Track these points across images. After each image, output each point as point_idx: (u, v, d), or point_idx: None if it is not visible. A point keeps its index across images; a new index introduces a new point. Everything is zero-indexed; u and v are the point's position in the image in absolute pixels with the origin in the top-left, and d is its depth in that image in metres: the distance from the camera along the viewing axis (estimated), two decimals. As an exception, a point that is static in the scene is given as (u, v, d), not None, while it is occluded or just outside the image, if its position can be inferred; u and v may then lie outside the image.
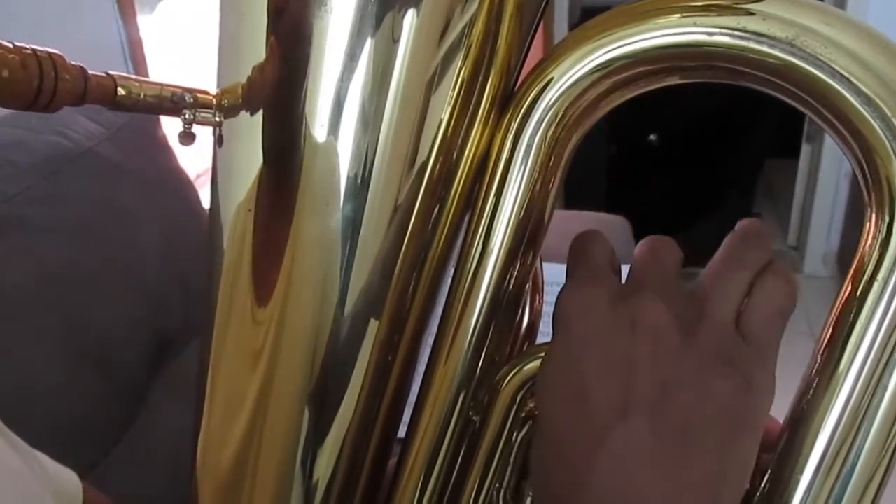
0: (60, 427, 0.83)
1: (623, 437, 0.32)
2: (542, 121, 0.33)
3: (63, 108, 0.30)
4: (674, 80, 0.33)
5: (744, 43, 0.30)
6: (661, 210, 2.38)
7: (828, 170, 2.46)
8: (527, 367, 0.37)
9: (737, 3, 0.30)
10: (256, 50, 0.32)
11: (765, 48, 0.30)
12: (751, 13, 0.30)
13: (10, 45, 0.27)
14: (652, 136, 2.44)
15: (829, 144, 2.43)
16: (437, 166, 0.34)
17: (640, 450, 0.32)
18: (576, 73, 0.32)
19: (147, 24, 1.77)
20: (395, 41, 0.31)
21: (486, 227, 0.35)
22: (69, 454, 0.52)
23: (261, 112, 0.33)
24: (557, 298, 0.35)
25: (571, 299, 0.34)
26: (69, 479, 0.50)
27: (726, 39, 0.30)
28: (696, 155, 2.50)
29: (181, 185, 1.14)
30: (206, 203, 1.26)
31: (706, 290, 0.34)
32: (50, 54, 0.29)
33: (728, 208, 2.62)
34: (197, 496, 0.40)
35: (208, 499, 0.40)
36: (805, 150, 2.56)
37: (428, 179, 0.34)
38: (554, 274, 0.49)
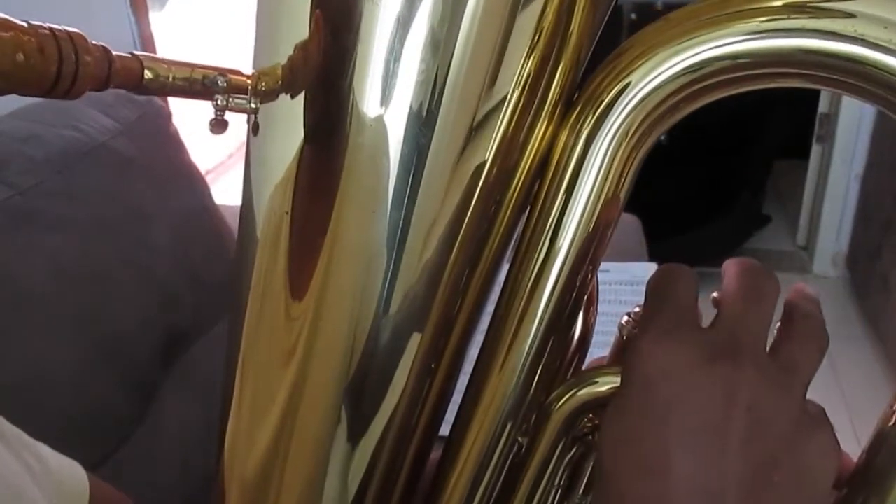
0: (72, 422, 0.83)
1: None
2: (621, 125, 0.31)
3: (76, 102, 0.27)
4: (773, 84, 0.31)
5: (862, 52, 0.27)
6: (671, 210, 2.38)
7: (838, 170, 2.45)
8: (581, 393, 0.34)
9: (828, 2, 0.27)
10: (298, 27, 0.29)
11: (886, 58, 0.27)
12: (850, 15, 0.27)
13: (26, 25, 0.24)
14: (661, 136, 2.43)
15: (840, 145, 2.42)
16: (497, 160, 0.31)
17: None
18: (660, 75, 0.30)
19: (158, 21, 1.77)
20: (455, 30, 0.28)
21: (551, 231, 0.32)
22: (80, 449, 0.51)
23: (302, 97, 0.30)
24: (636, 346, 0.31)
25: (655, 352, 0.30)
26: (74, 473, 0.50)
27: (842, 47, 0.27)
28: (706, 155, 2.49)
29: (193, 181, 1.14)
30: (217, 199, 1.25)
31: (792, 359, 0.31)
32: (70, 34, 0.25)
33: (738, 208, 2.61)
34: (223, 495, 0.38)
35: (235, 500, 0.38)
36: (815, 150, 2.55)
37: (486, 175, 0.31)
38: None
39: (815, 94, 2.47)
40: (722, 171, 2.53)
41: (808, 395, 0.32)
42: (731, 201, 2.59)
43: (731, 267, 0.33)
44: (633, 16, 2.24)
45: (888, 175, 2.22)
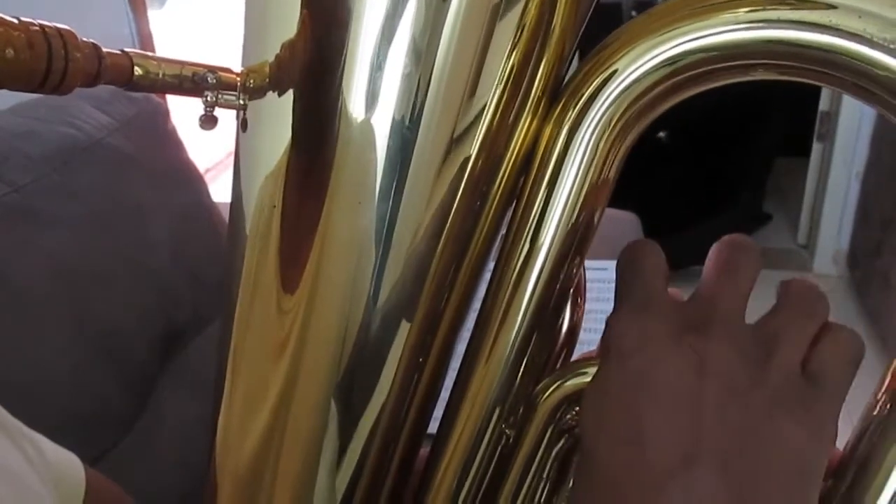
0: (70, 418, 0.84)
1: (686, 488, 0.29)
2: (602, 117, 0.31)
3: (73, 99, 0.28)
4: (752, 76, 0.30)
5: (836, 42, 0.27)
6: (671, 207, 2.38)
7: (838, 169, 2.45)
8: (568, 384, 0.34)
9: None
10: (286, 25, 0.30)
11: (859, 48, 0.27)
12: (831, 6, 0.27)
13: (16, 21, 0.25)
14: (661, 134, 2.43)
15: (840, 144, 2.42)
16: (482, 155, 0.31)
17: (706, 502, 0.29)
18: (640, 67, 0.30)
19: (157, 19, 1.78)
20: (441, 24, 0.29)
21: (534, 225, 0.32)
22: (78, 445, 0.51)
23: (290, 94, 0.30)
24: (608, 323, 0.32)
25: (628, 327, 0.31)
26: (71, 465, 0.50)
27: (816, 37, 0.27)
28: (706, 153, 2.49)
29: (191, 179, 1.15)
30: (215, 197, 1.25)
31: (774, 331, 0.31)
32: (59, 30, 0.26)
33: (738, 206, 2.61)
34: (215, 490, 0.39)
35: (227, 493, 0.38)
36: (816, 148, 2.54)
37: (471, 170, 0.31)
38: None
39: (816, 92, 2.47)
40: (722, 168, 2.53)
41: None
42: (732, 199, 2.59)
43: (714, 245, 0.33)
44: (633, 13, 2.24)
45: (889, 173, 2.21)
